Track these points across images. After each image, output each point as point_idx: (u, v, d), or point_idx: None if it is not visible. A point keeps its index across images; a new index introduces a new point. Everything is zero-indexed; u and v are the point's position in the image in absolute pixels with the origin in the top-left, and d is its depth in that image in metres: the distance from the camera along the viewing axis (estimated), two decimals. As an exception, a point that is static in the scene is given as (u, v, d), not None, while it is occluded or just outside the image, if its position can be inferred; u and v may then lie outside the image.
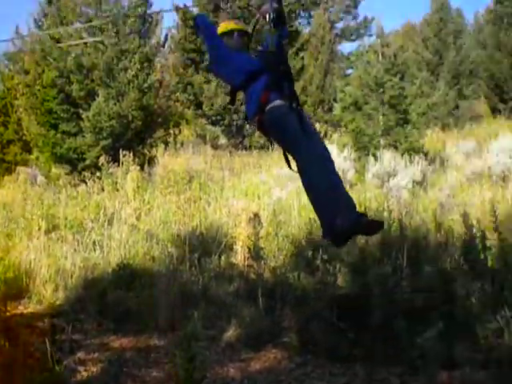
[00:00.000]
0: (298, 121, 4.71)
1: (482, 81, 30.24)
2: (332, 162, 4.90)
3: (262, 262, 8.34)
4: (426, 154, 16.40)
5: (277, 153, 19.03)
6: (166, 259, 8.80)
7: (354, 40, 36.36)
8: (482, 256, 7.31)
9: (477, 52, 31.15)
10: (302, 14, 35.06)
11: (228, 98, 5.53)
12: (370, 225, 4.64)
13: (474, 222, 7.94)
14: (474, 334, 6.12)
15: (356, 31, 36.23)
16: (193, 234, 9.78)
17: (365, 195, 11.85)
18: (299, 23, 32.93)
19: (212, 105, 22.71)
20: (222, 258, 8.92)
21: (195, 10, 23.84)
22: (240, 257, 8.99)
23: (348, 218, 4.44)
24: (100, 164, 14.23)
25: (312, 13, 34.53)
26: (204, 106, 23.14)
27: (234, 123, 22.69)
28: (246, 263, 8.70)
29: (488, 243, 7.44)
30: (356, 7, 35.97)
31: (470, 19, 45.63)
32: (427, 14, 32.26)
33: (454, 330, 6.06)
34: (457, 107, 28.63)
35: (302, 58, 25.68)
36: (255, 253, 8.36)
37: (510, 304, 6.20)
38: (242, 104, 21.91)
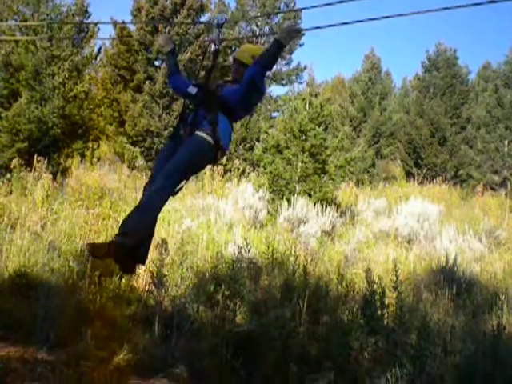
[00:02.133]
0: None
1: (400, 143, 31.19)
2: (158, 182, 5.11)
3: (163, 290, 8.25)
4: (338, 206, 16.70)
5: (192, 183, 19.01)
6: (65, 273, 8.59)
7: (284, 85, 36.80)
8: (380, 313, 7.46)
9: (399, 115, 32.17)
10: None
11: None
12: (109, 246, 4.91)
13: (376, 279, 8.11)
14: (363, 388, 6.21)
15: (287, 77, 36.76)
16: (97, 252, 9.56)
17: (274, 237, 11.95)
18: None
19: (135, 125, 22.51)
20: (123, 279, 8.78)
21: (133, 28, 23.77)
22: (142, 281, 8.88)
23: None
24: (12, 166, 13.85)
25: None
26: (127, 125, 22.91)
27: (154, 146, 22.53)
28: (147, 288, 8.59)
29: (387, 301, 7.61)
30: (291, 53, 36.55)
31: (398, 83, 47.10)
32: (358, 72, 33.17)
33: (344, 382, 6.14)
34: (373, 165, 29.37)
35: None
36: (158, 279, 8.26)
37: (401, 363, 6.34)
38: (164, 128, 21.74)
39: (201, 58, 5.89)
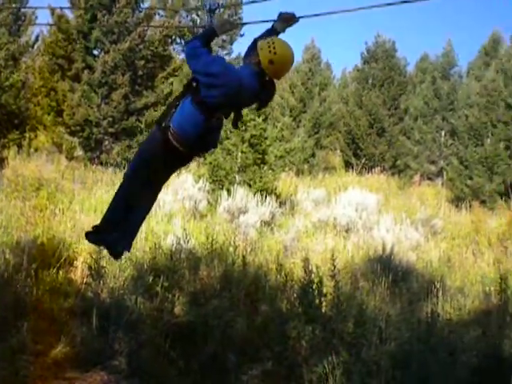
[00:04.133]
0: None
1: (340, 134, 31.52)
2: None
3: (101, 282, 8.18)
4: (277, 196, 16.80)
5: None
6: (1, 265, 8.43)
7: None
8: (318, 302, 7.55)
9: (339, 106, 32.49)
10: (179, 40, 35.23)
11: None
12: None
13: (314, 268, 8.20)
14: (300, 376, 6.29)
15: (228, 66, 36.77)
16: (33, 244, 9.44)
17: (213, 228, 11.97)
18: (174, 49, 33.08)
19: (73, 114, 22.13)
20: (61, 272, 8.68)
21: (71, 15, 23.34)
22: (79, 273, 8.79)
23: None
24: None
25: (188, 41, 34.73)
26: (65, 115, 22.51)
27: (93, 136, 22.22)
28: (85, 281, 8.51)
29: (324, 290, 7.70)
30: (232, 43, 36.53)
31: (337, 74, 47.50)
32: (297, 62, 33.35)
33: (281, 371, 6.21)
34: (313, 155, 29.58)
35: (172, 83, 25.69)
36: (96, 271, 8.18)
37: (338, 351, 6.44)
38: (103, 118, 21.46)
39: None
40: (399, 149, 29.52)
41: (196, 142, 5.01)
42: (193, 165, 22.15)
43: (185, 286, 7.99)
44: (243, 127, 16.82)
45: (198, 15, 35.45)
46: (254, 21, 5.66)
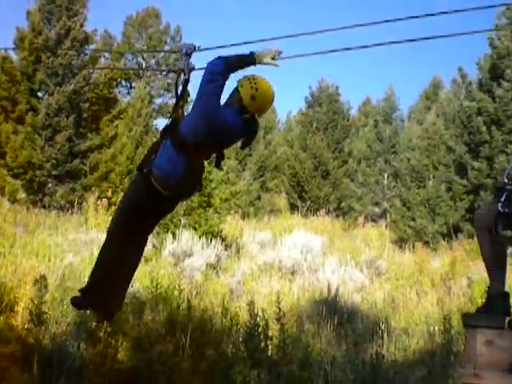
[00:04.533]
0: None
1: (285, 177, 31.74)
2: None
3: (43, 327, 8.00)
4: (223, 239, 16.76)
5: (76, 216, 18.61)
6: None
7: (170, 118, 36.92)
8: (263, 345, 7.52)
9: (284, 149, 32.79)
10: (124, 83, 35.27)
11: None
12: None
13: (260, 312, 8.18)
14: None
15: (173, 110, 36.84)
16: (-29, 288, 9.20)
17: (158, 271, 11.85)
18: (119, 91, 33.07)
19: (16, 156, 21.86)
20: (1, 317, 8.45)
21: (15, 56, 23.19)
22: (20, 319, 8.57)
23: None
24: None
25: (133, 84, 34.82)
26: (7, 157, 22.22)
27: (37, 179, 21.94)
28: (26, 326, 8.30)
29: (270, 333, 7.68)
30: (177, 87, 36.73)
31: (282, 118, 48.00)
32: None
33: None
34: (259, 198, 29.71)
35: (117, 126, 25.62)
36: (37, 317, 8.00)
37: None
38: (47, 161, 21.16)
39: (174, 90, 5.30)
40: (343, 191, 29.88)
41: (179, 185, 4.88)
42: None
43: (129, 331, 7.87)
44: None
45: (143, 58, 35.58)
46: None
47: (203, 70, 4.89)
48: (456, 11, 5.05)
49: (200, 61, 5.22)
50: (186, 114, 5.13)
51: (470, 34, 5.76)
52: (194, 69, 5.18)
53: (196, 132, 4.78)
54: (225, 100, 5.06)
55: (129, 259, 5.08)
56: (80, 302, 5.08)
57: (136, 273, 10.29)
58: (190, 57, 5.19)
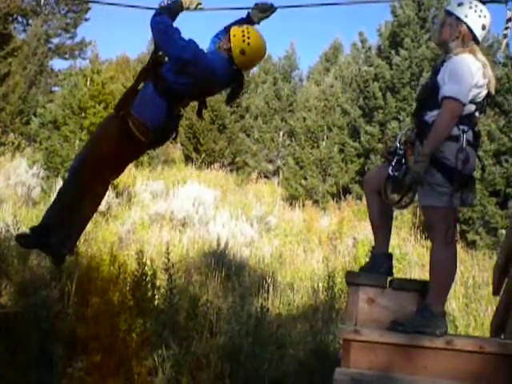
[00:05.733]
0: None
1: (181, 127, 31.46)
2: None
3: None
4: (115, 187, 16.52)
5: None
6: None
7: (66, 59, 35.70)
8: (150, 294, 7.53)
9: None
10: (20, 19, 33.77)
11: None
12: None
13: (148, 261, 8.17)
14: (130, 368, 6.24)
15: (70, 51, 35.66)
16: None
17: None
18: (14, 28, 31.67)
19: None
20: None
21: None
22: None
23: None
24: None
25: (30, 21, 33.45)
26: None
27: None
28: None
29: (158, 283, 7.70)
30: (76, 27, 35.48)
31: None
32: (143, 53, 33.04)
33: (110, 364, 6.13)
34: (153, 148, 29.34)
35: (10, 63, 24.63)
36: None
37: (168, 344, 6.45)
38: None
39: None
40: (239, 146, 29.93)
41: (158, 132, 4.71)
42: (27, 149, 21.36)
43: (13, 276, 7.69)
44: (82, 114, 16.42)
45: (41, -6, 34.15)
46: (228, 7, 5.28)
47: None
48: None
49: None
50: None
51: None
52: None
53: (183, 78, 4.58)
54: (211, 41, 4.92)
55: (88, 202, 4.88)
56: (28, 240, 4.86)
57: (20, 216, 10.05)
58: None
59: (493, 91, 4.32)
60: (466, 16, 4.28)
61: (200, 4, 4.83)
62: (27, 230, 4.93)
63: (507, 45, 18.77)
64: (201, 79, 4.62)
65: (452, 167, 4.10)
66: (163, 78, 4.61)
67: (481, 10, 4.30)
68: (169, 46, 4.54)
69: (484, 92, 4.25)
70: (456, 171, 4.08)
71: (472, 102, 4.19)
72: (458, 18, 4.30)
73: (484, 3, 4.44)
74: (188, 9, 4.81)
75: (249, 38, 4.64)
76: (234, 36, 4.65)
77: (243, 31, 4.66)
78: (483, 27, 4.30)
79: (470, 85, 4.13)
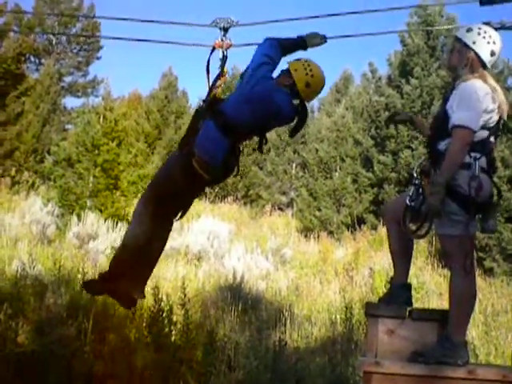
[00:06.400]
0: None
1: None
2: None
3: None
4: (129, 223, 16.53)
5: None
6: None
7: (79, 97, 36.13)
8: (167, 330, 7.49)
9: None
10: (32, 59, 34.25)
11: None
12: None
13: (164, 296, 8.13)
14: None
15: (83, 89, 36.09)
16: None
17: (62, 253, 11.61)
18: (27, 67, 32.12)
19: None
20: None
21: None
22: None
23: None
24: None
25: (42, 60, 33.92)
26: None
27: None
28: None
29: (175, 318, 7.66)
30: (88, 65, 35.96)
31: (193, 103, 47.73)
32: (154, 89, 33.28)
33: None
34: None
35: (23, 103, 24.91)
36: None
37: (187, 380, 6.40)
38: None
39: (205, 67, 4.86)
40: (252, 179, 29.99)
41: (220, 169, 4.69)
42: (42, 187, 21.48)
43: (29, 314, 7.67)
44: (96, 151, 16.52)
45: (53, 34, 34.62)
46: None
47: (252, 48, 4.79)
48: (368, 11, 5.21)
49: (236, 37, 5.04)
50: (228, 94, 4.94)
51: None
52: (231, 45, 4.99)
53: (244, 115, 4.59)
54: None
55: (154, 244, 4.89)
56: (96, 287, 4.92)
57: (37, 254, 10.07)
58: (226, 32, 4.97)
59: (505, 116, 4.29)
60: (474, 42, 4.28)
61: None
62: (94, 277, 4.94)
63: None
64: (267, 115, 4.66)
65: (465, 195, 4.08)
66: (224, 114, 4.62)
67: (490, 36, 4.29)
68: (253, 74, 4.62)
69: (495, 117, 4.22)
70: (469, 199, 4.06)
71: (484, 127, 4.17)
72: (466, 45, 4.30)
73: (496, 29, 4.45)
74: (312, 46, 4.90)
75: (311, 70, 4.70)
76: (296, 70, 4.69)
77: (303, 64, 4.71)
78: (492, 53, 4.29)
79: (479, 111, 4.11)
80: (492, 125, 4.21)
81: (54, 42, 34.73)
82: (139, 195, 20.39)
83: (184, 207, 5.01)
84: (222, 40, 4.98)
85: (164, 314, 7.79)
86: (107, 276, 4.84)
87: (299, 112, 4.82)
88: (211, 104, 4.75)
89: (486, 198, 4.20)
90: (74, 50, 35.81)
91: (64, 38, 35.31)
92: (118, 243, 14.05)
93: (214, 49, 5.00)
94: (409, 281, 4.58)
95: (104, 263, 12.47)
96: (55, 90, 30.55)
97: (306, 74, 4.67)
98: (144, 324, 7.93)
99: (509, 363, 6.80)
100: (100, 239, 13.95)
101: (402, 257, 4.55)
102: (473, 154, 4.12)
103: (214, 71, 4.99)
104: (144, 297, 5.16)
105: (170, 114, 32.01)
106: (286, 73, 4.75)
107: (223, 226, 17.31)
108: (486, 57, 4.28)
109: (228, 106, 4.66)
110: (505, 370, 4.23)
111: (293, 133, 5.02)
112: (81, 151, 16.86)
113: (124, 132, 17.58)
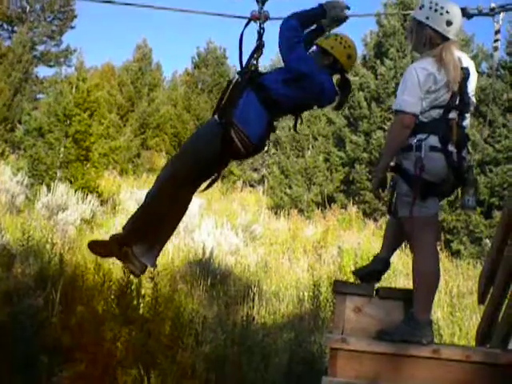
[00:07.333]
0: None
1: (166, 136, 31.41)
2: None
3: None
4: (99, 195, 16.46)
5: None
6: None
7: (52, 66, 35.55)
8: (136, 303, 7.49)
9: (167, 108, 32.39)
10: (5, 26, 33.66)
11: None
12: None
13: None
14: (115, 377, 6.19)
15: (56, 58, 35.54)
16: None
17: (31, 224, 11.52)
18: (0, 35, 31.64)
19: None
20: None
21: None
22: None
23: None
24: None
25: (15, 28, 33.36)
26: None
27: None
28: None
29: (143, 291, 7.66)
30: (61, 34, 35.36)
31: (167, 76, 47.42)
32: (128, 61, 32.91)
33: (95, 372, 6.08)
34: (138, 156, 29.32)
35: (-6, 70, 24.57)
36: None
37: (154, 353, 6.41)
38: None
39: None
40: (224, 154, 29.95)
41: (257, 143, 4.63)
42: (12, 157, 21.26)
43: (-4, 284, 7.63)
44: (67, 121, 16.37)
45: (27, 2, 34.03)
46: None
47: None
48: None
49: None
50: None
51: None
52: (268, 18, 4.88)
53: (288, 92, 4.55)
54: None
55: (176, 211, 4.80)
56: (104, 248, 4.87)
57: (4, 223, 9.99)
58: (263, 4, 4.88)
59: (455, 88, 4.13)
60: (427, 18, 4.20)
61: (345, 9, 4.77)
62: (105, 237, 4.82)
63: (491, 55, 18.96)
64: (310, 94, 4.60)
65: (412, 176, 4.09)
66: (268, 88, 4.58)
67: (442, 7, 4.17)
68: (289, 55, 4.53)
69: (446, 95, 4.12)
70: (416, 179, 4.07)
71: (436, 106, 4.12)
72: (421, 22, 4.24)
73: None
74: (331, 15, 4.72)
75: (345, 41, 4.70)
76: (333, 48, 4.67)
77: (336, 39, 4.70)
78: (448, 23, 4.16)
79: (418, 94, 4.06)
80: (444, 103, 4.13)
81: (27, 10, 34.11)
82: (110, 167, 20.32)
83: (208, 179, 4.90)
84: (259, 12, 4.89)
85: (133, 287, 7.78)
86: (121, 239, 4.75)
87: (343, 86, 4.83)
88: (252, 77, 4.69)
89: (440, 176, 4.13)
90: (48, 19, 35.18)
91: (38, 6, 34.69)
92: (87, 215, 14.04)
93: (249, 21, 4.90)
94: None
95: (73, 235, 12.44)
96: (27, 59, 30.09)
97: (344, 47, 4.67)
98: (112, 296, 7.91)
99: (473, 344, 6.91)
100: (69, 210, 13.86)
101: (389, 236, 4.61)
102: (418, 136, 4.09)
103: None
104: (156, 266, 5.06)
105: (144, 86, 31.73)
106: (321, 53, 4.73)
107: (194, 201, 17.22)
108: (443, 29, 4.17)
109: (272, 82, 4.61)
110: (469, 350, 4.30)
111: (338, 106, 4.97)
112: (52, 121, 16.68)
113: (96, 103, 17.42)
